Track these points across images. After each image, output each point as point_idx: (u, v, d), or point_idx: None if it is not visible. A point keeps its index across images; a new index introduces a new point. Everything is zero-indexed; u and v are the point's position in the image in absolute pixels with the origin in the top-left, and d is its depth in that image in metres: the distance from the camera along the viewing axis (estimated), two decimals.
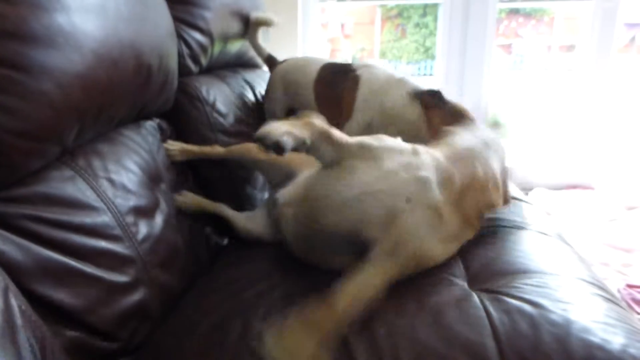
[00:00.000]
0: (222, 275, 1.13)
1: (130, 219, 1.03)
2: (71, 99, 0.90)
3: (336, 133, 0.92)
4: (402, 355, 0.77)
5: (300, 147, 0.84)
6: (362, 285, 0.83)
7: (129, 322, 0.95)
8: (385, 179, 0.90)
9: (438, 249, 0.94)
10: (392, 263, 0.86)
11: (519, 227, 1.15)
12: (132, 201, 1.06)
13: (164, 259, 1.09)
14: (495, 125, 1.26)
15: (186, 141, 1.39)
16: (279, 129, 0.83)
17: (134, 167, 1.12)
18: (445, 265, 0.97)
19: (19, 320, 0.64)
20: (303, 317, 0.78)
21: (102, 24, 0.99)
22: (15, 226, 0.83)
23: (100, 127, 1.07)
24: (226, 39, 1.71)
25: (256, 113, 1.75)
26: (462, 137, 1.07)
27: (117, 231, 0.99)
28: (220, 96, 1.58)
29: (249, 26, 1.81)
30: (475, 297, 0.87)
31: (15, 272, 0.78)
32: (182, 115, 1.46)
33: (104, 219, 0.97)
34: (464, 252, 1.01)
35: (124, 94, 1.10)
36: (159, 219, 1.12)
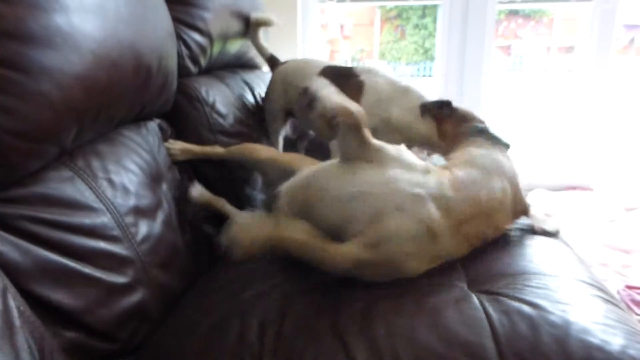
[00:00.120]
0: (222, 275, 1.13)
1: (129, 219, 1.03)
2: (70, 99, 0.90)
3: (366, 130, 0.99)
4: (402, 355, 0.77)
5: (325, 118, 0.95)
6: (321, 246, 0.89)
7: (128, 323, 0.94)
8: (383, 185, 0.94)
9: (419, 263, 0.93)
10: (367, 252, 0.89)
11: (518, 228, 1.15)
12: (132, 201, 1.06)
13: (164, 259, 1.09)
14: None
15: (186, 142, 1.39)
16: (330, 95, 0.98)
17: (134, 168, 1.12)
18: (444, 266, 0.97)
19: (17, 321, 0.64)
20: (257, 219, 0.91)
21: (101, 25, 0.99)
22: (14, 227, 0.82)
23: (100, 128, 1.07)
24: (225, 39, 1.70)
25: (255, 114, 1.75)
26: (471, 160, 1.08)
27: (116, 232, 0.99)
28: (219, 97, 1.58)
29: (249, 27, 1.81)
30: (474, 298, 0.87)
31: (13, 272, 0.78)
32: (181, 116, 1.46)
33: (102, 219, 0.97)
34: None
35: (123, 95, 1.10)
36: (159, 220, 1.12)
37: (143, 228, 1.06)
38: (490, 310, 0.83)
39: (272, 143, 1.75)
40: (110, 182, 1.03)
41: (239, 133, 1.58)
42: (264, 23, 1.82)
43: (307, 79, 1.58)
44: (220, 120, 1.53)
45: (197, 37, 1.54)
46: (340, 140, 1.00)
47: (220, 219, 1.34)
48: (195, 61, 1.55)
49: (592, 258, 2.26)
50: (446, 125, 1.35)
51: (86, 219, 0.94)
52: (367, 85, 1.49)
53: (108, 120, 1.08)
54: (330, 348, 0.80)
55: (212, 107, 1.52)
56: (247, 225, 0.94)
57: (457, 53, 3.15)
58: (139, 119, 1.25)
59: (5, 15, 0.79)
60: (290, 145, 1.83)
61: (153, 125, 1.31)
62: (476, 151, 1.11)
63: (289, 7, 2.98)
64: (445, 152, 1.29)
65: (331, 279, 0.99)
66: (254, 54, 1.93)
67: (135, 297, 0.97)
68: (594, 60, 3.14)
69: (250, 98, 1.78)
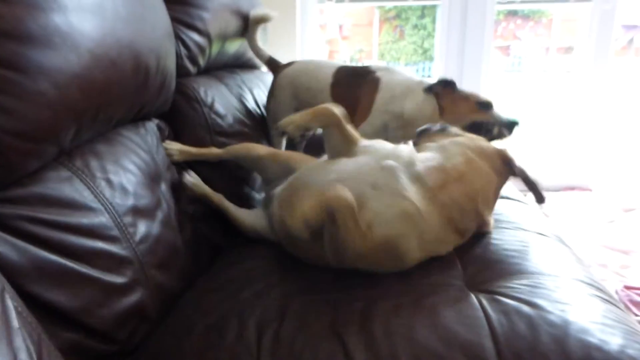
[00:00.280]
0: (221, 275, 1.13)
1: (128, 219, 1.03)
2: (68, 99, 0.90)
3: (349, 127, 1.10)
4: (401, 355, 0.77)
5: (306, 132, 1.00)
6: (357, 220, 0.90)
7: (126, 323, 0.94)
8: (356, 169, 1.03)
9: (415, 245, 0.95)
10: (369, 236, 0.92)
11: (518, 229, 1.15)
12: (131, 201, 1.06)
13: (163, 259, 1.08)
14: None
15: (184, 142, 1.38)
16: (290, 120, 1.06)
17: (132, 168, 1.12)
18: (443, 266, 0.97)
19: (15, 322, 0.63)
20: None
21: (99, 24, 0.99)
22: (12, 227, 0.82)
23: (98, 128, 1.07)
24: (224, 39, 1.70)
25: (254, 114, 1.75)
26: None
27: (115, 232, 0.98)
28: (218, 97, 1.58)
29: (249, 26, 1.81)
30: (473, 298, 0.87)
31: (12, 273, 0.77)
32: (179, 117, 1.45)
33: (101, 219, 0.97)
34: (462, 253, 1.02)
35: (121, 95, 1.09)
36: (158, 219, 1.12)
37: (142, 228, 1.06)
38: (489, 309, 0.83)
39: (274, 145, 1.75)
40: (109, 182, 1.03)
41: (238, 133, 1.58)
42: (263, 19, 1.81)
43: (321, 81, 1.61)
44: (219, 120, 1.53)
45: (195, 37, 1.54)
46: (326, 139, 1.12)
47: (220, 219, 1.34)
48: (193, 61, 1.55)
49: (591, 258, 2.26)
50: (447, 103, 1.42)
51: (84, 219, 0.94)
52: (382, 82, 1.52)
53: (107, 120, 1.08)
54: (329, 348, 0.80)
55: (211, 107, 1.52)
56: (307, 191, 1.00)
57: (456, 53, 3.15)
58: (137, 119, 1.25)
59: (4, 15, 0.79)
60: (289, 145, 1.82)
61: (151, 125, 1.31)
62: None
63: (288, 7, 2.98)
64: None
65: (329, 278, 0.99)
66: (253, 54, 1.93)
67: (133, 298, 0.97)
68: (593, 60, 3.14)
69: (249, 98, 1.78)
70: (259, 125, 1.73)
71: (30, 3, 0.83)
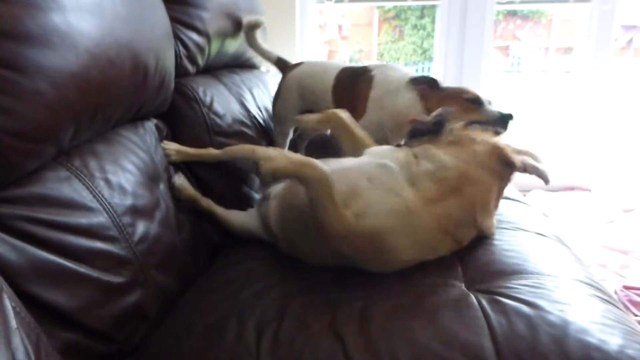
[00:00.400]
0: (221, 275, 1.13)
1: (127, 219, 1.03)
2: (67, 99, 0.90)
3: (358, 131, 1.21)
4: (400, 356, 0.77)
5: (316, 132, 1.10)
6: (332, 199, 0.91)
7: (125, 323, 0.94)
8: (357, 163, 1.06)
9: (402, 242, 0.95)
10: (355, 223, 0.92)
11: (517, 229, 1.15)
12: (129, 201, 1.06)
13: (162, 259, 1.08)
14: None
15: (182, 142, 1.38)
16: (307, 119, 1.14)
17: (131, 168, 1.12)
18: (442, 266, 0.97)
19: (13, 322, 0.63)
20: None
21: (98, 24, 0.98)
22: (11, 227, 0.82)
23: (97, 128, 1.06)
24: (223, 39, 1.70)
25: (253, 114, 1.75)
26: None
27: (113, 232, 0.98)
28: (217, 97, 1.57)
29: (245, 34, 1.79)
30: (472, 298, 0.86)
31: (10, 273, 0.77)
32: (178, 117, 1.45)
33: (99, 219, 0.97)
34: (462, 253, 1.01)
35: (120, 95, 1.09)
36: (157, 219, 1.12)
37: (140, 228, 1.06)
38: (489, 310, 0.83)
39: (278, 144, 1.74)
40: (108, 182, 1.03)
41: (237, 133, 1.58)
42: (256, 25, 1.79)
43: (325, 83, 1.59)
44: (218, 120, 1.53)
45: (194, 36, 1.53)
46: (338, 142, 1.19)
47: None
48: (192, 61, 1.55)
49: (590, 258, 2.26)
50: (433, 104, 1.34)
51: (83, 219, 0.93)
52: (376, 79, 1.50)
53: (105, 120, 1.08)
54: (329, 348, 0.80)
55: (210, 107, 1.52)
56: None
57: (456, 54, 3.16)
58: (136, 118, 1.25)
59: (3, 15, 0.79)
60: (290, 146, 1.82)
61: (150, 125, 1.31)
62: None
63: (287, 7, 2.98)
64: None
65: (328, 278, 0.99)
66: (252, 54, 1.93)
67: (132, 298, 0.97)
68: (592, 61, 3.14)
69: (248, 98, 1.78)
70: (258, 125, 1.73)
71: (29, 3, 0.83)
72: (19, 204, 0.85)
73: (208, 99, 1.53)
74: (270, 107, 1.90)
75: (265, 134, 1.76)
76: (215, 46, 1.65)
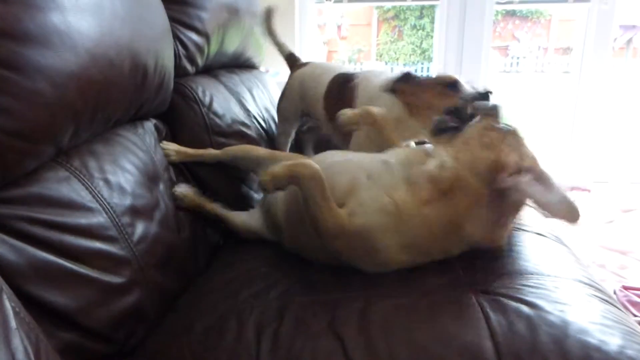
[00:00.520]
0: (219, 275, 1.13)
1: (126, 219, 1.02)
2: (66, 98, 0.90)
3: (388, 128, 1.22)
4: (399, 356, 0.77)
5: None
6: (327, 197, 0.93)
7: (124, 324, 0.94)
8: (361, 158, 1.07)
9: (391, 243, 0.94)
10: (348, 221, 0.94)
11: (517, 229, 1.15)
12: (129, 201, 1.05)
13: (161, 259, 1.08)
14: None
15: (182, 142, 1.38)
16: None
17: (130, 168, 1.12)
18: (442, 266, 0.97)
19: (13, 323, 0.63)
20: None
21: (97, 24, 0.98)
22: (10, 227, 0.82)
23: (96, 128, 1.06)
24: (223, 39, 1.70)
25: (253, 114, 1.75)
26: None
27: (113, 232, 0.98)
28: (216, 97, 1.57)
29: (265, 22, 1.77)
30: (472, 298, 0.86)
31: (9, 273, 0.77)
32: (178, 116, 1.45)
33: (99, 219, 0.96)
34: (462, 254, 1.01)
35: (120, 95, 1.09)
36: (156, 220, 1.12)
37: (140, 228, 1.05)
38: (488, 310, 0.82)
39: (279, 143, 1.74)
40: (107, 182, 1.03)
41: (236, 133, 1.57)
42: (270, 12, 1.77)
43: (319, 89, 1.56)
44: (217, 120, 1.53)
45: (194, 36, 1.53)
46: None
47: (218, 219, 1.34)
48: (192, 61, 1.55)
49: (590, 259, 2.26)
50: (409, 99, 1.29)
51: (82, 219, 0.93)
52: (359, 88, 1.46)
53: (104, 120, 1.08)
54: (328, 348, 0.80)
55: (209, 107, 1.52)
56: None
57: (455, 54, 3.16)
58: (135, 118, 1.25)
59: (2, 15, 0.79)
60: (296, 147, 1.82)
61: (149, 125, 1.30)
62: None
63: (286, 7, 2.98)
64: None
65: (328, 278, 0.99)
66: (251, 53, 1.92)
67: (131, 298, 0.97)
68: (591, 61, 3.14)
69: (247, 98, 1.78)
70: (257, 126, 1.73)
71: (28, 2, 0.83)
72: (18, 204, 0.85)
73: (207, 99, 1.53)
74: (269, 106, 1.90)
75: (264, 133, 1.76)
76: (214, 46, 1.65)
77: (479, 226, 0.96)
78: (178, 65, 1.45)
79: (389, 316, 0.84)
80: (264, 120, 1.79)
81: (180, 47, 1.49)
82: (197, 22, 1.54)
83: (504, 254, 1.02)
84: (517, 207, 0.99)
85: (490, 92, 1.16)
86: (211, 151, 1.42)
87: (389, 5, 7.93)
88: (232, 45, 1.79)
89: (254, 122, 1.71)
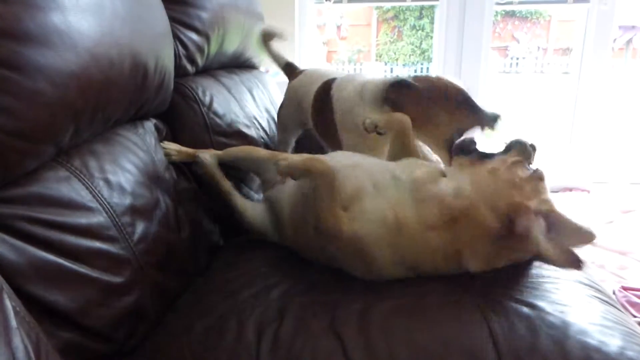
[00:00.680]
0: (220, 275, 1.13)
1: (126, 219, 1.02)
2: (66, 98, 0.90)
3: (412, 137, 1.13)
4: (399, 356, 0.77)
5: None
6: (334, 197, 0.95)
7: (125, 323, 0.94)
8: (372, 165, 1.05)
9: (385, 255, 0.94)
10: (348, 225, 0.94)
11: None
12: (129, 201, 1.05)
13: (161, 259, 1.08)
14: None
15: (182, 142, 1.38)
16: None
17: (131, 167, 1.12)
18: None
19: (13, 322, 0.63)
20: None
21: (98, 24, 0.98)
22: (10, 227, 0.82)
23: (97, 127, 1.06)
24: (223, 39, 1.70)
25: (253, 114, 1.75)
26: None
27: (113, 232, 0.98)
28: (216, 97, 1.57)
29: (262, 38, 1.75)
30: (472, 299, 0.86)
31: (10, 273, 0.77)
32: (178, 116, 1.45)
33: (99, 219, 0.96)
34: None
35: (120, 94, 1.09)
36: (156, 219, 1.12)
37: (140, 228, 1.05)
38: (488, 311, 0.83)
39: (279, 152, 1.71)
40: (107, 181, 1.03)
41: (236, 133, 1.57)
42: (272, 34, 1.73)
43: (308, 98, 1.50)
44: (218, 120, 1.53)
45: (194, 36, 1.53)
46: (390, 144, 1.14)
47: (218, 219, 1.34)
48: (192, 61, 1.55)
49: (589, 259, 2.26)
50: (408, 110, 1.13)
51: (82, 219, 0.93)
52: (334, 98, 1.36)
53: (105, 120, 1.08)
54: (328, 348, 0.80)
55: (209, 107, 1.52)
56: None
57: (454, 54, 3.16)
58: (135, 118, 1.25)
59: (2, 14, 0.78)
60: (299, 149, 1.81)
61: (150, 125, 1.30)
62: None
63: (286, 8, 2.98)
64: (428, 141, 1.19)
65: (328, 279, 0.99)
66: (251, 54, 1.92)
67: (131, 298, 0.96)
68: (591, 61, 3.15)
69: (247, 98, 1.78)
70: (258, 126, 1.73)
71: (28, 2, 0.83)
72: (19, 203, 0.85)
73: (207, 99, 1.53)
74: (269, 107, 1.90)
75: (264, 133, 1.76)
76: (214, 46, 1.65)
77: (478, 258, 0.92)
78: (178, 65, 1.45)
79: (389, 317, 0.84)
80: (264, 120, 1.79)
81: (180, 47, 1.49)
82: (197, 22, 1.54)
83: None
84: (520, 248, 0.93)
85: (500, 117, 1.11)
86: (211, 152, 1.42)
87: (388, 5, 7.93)
88: (232, 45, 1.79)
89: (254, 122, 1.71)
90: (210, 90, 1.57)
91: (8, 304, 0.65)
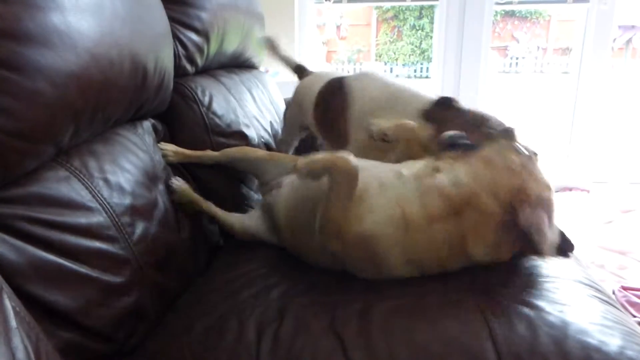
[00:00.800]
0: (219, 276, 1.13)
1: (126, 219, 1.02)
2: (66, 98, 0.90)
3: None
4: (399, 356, 0.77)
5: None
6: (347, 197, 0.93)
7: (125, 323, 0.94)
8: (377, 165, 1.05)
9: (393, 252, 0.93)
10: (354, 225, 0.93)
11: None
12: (128, 201, 1.05)
13: (161, 259, 1.08)
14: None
15: (181, 142, 1.38)
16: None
17: (130, 167, 1.12)
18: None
19: (13, 322, 0.63)
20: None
21: (98, 24, 0.98)
22: (10, 227, 0.82)
23: (96, 127, 1.06)
24: (222, 39, 1.70)
25: (253, 114, 1.75)
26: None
27: (112, 231, 0.98)
28: (216, 97, 1.57)
29: (267, 46, 1.75)
30: (472, 299, 0.86)
31: (9, 273, 0.77)
32: (177, 117, 1.45)
33: (98, 219, 0.96)
34: None
35: (120, 94, 1.09)
36: (156, 219, 1.12)
37: (139, 228, 1.05)
38: (488, 311, 0.83)
39: (279, 152, 1.72)
40: (107, 181, 1.03)
41: (236, 133, 1.57)
42: (278, 43, 1.75)
43: (310, 96, 1.50)
44: (217, 120, 1.53)
45: (193, 36, 1.53)
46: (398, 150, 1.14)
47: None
48: (191, 61, 1.55)
49: (589, 259, 2.26)
50: (443, 128, 1.11)
51: (82, 219, 0.93)
52: (351, 97, 1.36)
53: (104, 120, 1.08)
54: (328, 348, 0.80)
55: (209, 107, 1.52)
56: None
57: (454, 54, 3.16)
58: (135, 118, 1.25)
59: (2, 14, 0.78)
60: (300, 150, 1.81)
61: (149, 125, 1.30)
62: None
63: (286, 8, 2.98)
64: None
65: (329, 279, 0.99)
66: (251, 53, 1.92)
67: (131, 298, 0.96)
68: (591, 61, 3.15)
69: (247, 98, 1.78)
70: (257, 126, 1.73)
71: (28, 2, 0.83)
72: (18, 203, 0.85)
73: (207, 99, 1.53)
74: (269, 107, 1.90)
75: (264, 134, 1.76)
76: (214, 46, 1.65)
77: (483, 247, 0.93)
78: (178, 65, 1.45)
79: (389, 317, 0.84)
80: (263, 121, 1.79)
81: (180, 47, 1.49)
82: (197, 22, 1.54)
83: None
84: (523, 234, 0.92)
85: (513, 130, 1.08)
86: (209, 153, 1.42)
87: (388, 5, 7.94)
88: (231, 45, 1.79)
89: (253, 122, 1.71)
90: (210, 90, 1.57)
91: (8, 304, 0.65)
